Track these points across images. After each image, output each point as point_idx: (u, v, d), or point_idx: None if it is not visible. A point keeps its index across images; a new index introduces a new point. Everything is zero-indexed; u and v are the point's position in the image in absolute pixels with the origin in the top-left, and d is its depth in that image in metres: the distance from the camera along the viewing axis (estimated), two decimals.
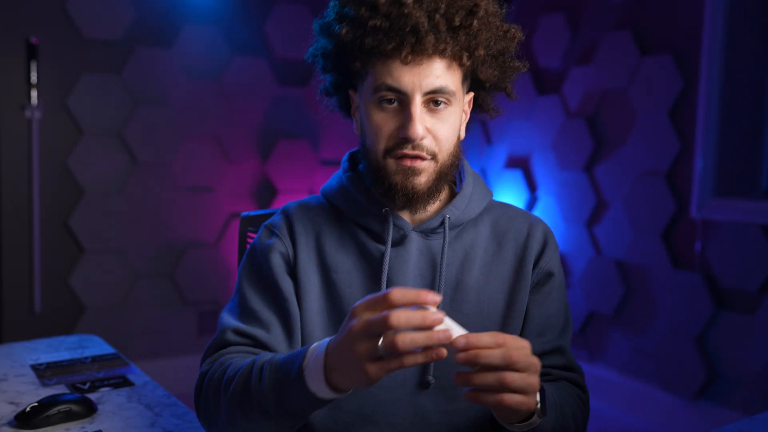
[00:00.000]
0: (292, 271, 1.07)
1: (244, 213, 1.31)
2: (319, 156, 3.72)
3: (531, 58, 3.64)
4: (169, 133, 3.36)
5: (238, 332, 1.04)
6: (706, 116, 2.83)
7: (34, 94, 3.04)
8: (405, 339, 0.73)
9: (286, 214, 1.11)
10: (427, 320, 0.74)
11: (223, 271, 3.52)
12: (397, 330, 0.74)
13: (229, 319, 1.06)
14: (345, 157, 1.15)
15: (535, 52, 3.59)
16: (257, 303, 1.06)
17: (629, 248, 3.15)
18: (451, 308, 1.06)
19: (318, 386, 0.83)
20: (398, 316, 0.73)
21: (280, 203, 3.60)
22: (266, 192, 3.63)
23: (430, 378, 1.04)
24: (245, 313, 1.06)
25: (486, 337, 0.78)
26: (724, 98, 2.83)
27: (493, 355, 0.77)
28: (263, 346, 1.03)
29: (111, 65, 3.21)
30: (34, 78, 3.04)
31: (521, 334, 1.09)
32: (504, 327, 1.08)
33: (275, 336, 1.04)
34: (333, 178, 1.14)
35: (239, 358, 0.99)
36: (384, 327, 0.74)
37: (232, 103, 3.50)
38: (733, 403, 2.77)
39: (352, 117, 1.10)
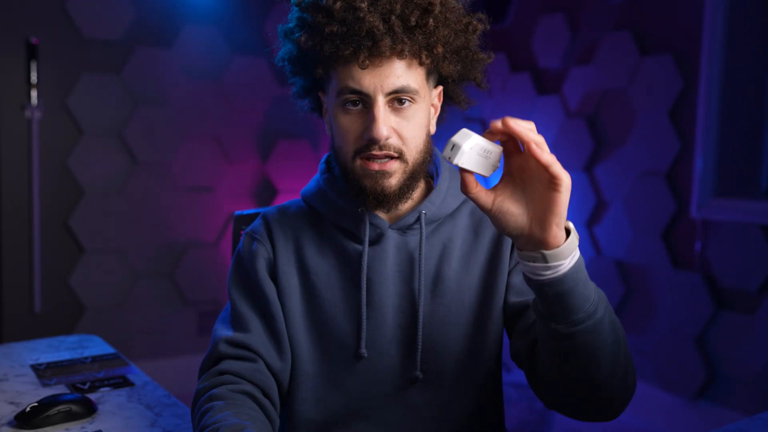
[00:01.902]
0: (273, 274, 1.08)
1: (238, 212, 1.31)
2: (319, 156, 3.73)
3: (531, 58, 3.64)
4: (169, 133, 3.36)
5: (230, 342, 1.05)
6: (706, 116, 2.83)
7: (34, 94, 3.04)
8: None
9: (266, 220, 1.13)
10: None
11: (223, 271, 3.52)
12: None
13: (221, 330, 1.07)
14: (323, 160, 1.16)
15: (535, 52, 3.59)
16: (247, 309, 1.07)
17: (629, 248, 3.15)
18: (432, 301, 1.06)
19: None
20: None
21: (279, 203, 3.60)
22: (266, 192, 3.63)
23: (418, 373, 1.05)
24: (236, 320, 1.07)
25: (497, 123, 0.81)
26: (724, 98, 2.83)
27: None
28: (255, 352, 1.04)
29: (111, 65, 3.21)
30: (34, 78, 3.04)
31: (511, 306, 1.07)
32: (480, 312, 1.07)
33: (265, 342, 1.05)
34: (312, 181, 1.15)
35: (222, 403, 0.96)
36: None
37: (232, 103, 3.50)
38: (733, 403, 2.77)
39: (324, 118, 1.11)
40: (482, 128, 3.97)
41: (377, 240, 1.06)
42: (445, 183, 1.10)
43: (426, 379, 1.06)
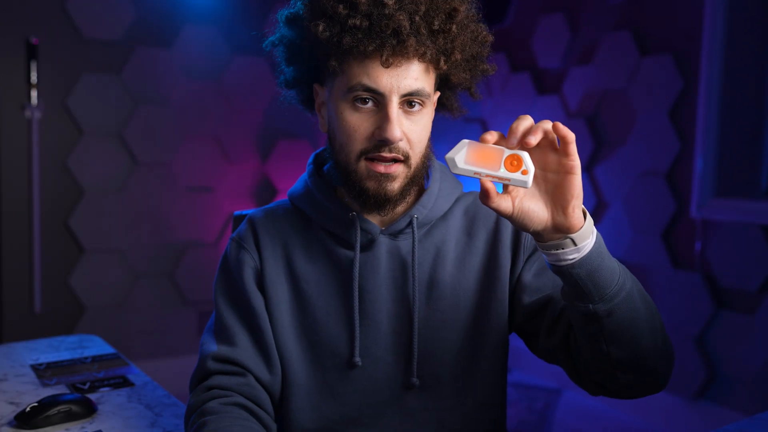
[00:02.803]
0: (261, 284, 1.06)
1: (237, 212, 1.29)
2: None
3: (531, 58, 3.64)
4: (169, 133, 3.36)
5: (217, 358, 1.03)
6: (706, 116, 2.83)
7: (34, 94, 3.05)
8: None
9: (252, 225, 1.09)
10: None
11: None
12: None
13: (208, 344, 1.05)
14: (310, 159, 1.13)
15: (535, 52, 3.59)
16: (233, 322, 1.05)
17: (629, 248, 3.15)
18: (426, 307, 1.05)
19: None
20: None
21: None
22: (266, 192, 3.63)
23: (414, 380, 1.04)
24: (222, 333, 1.05)
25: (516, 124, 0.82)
26: (724, 98, 2.83)
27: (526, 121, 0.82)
28: (243, 366, 1.03)
29: (111, 65, 3.21)
30: (34, 78, 3.04)
31: (527, 306, 1.06)
32: (477, 315, 1.06)
33: (252, 355, 1.04)
34: (299, 181, 1.12)
35: (214, 416, 0.97)
36: None
37: (232, 103, 3.50)
38: (733, 403, 2.77)
39: (317, 112, 1.08)
40: (482, 128, 3.97)
41: (369, 245, 1.04)
42: (437, 185, 1.08)
43: (423, 385, 1.05)
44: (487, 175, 0.81)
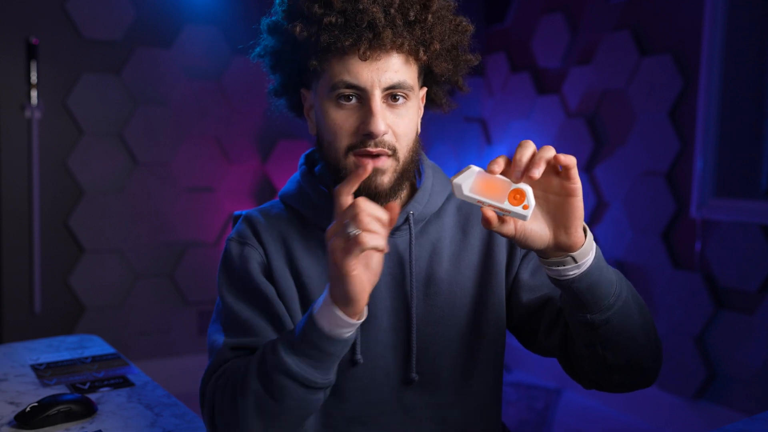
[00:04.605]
0: (269, 277, 1.05)
1: (237, 212, 1.29)
2: None
3: (531, 58, 3.64)
4: (169, 133, 3.36)
5: (234, 348, 1.00)
6: (706, 116, 2.83)
7: (34, 94, 3.05)
8: (365, 218, 0.81)
9: (250, 223, 1.08)
10: (390, 212, 0.82)
11: None
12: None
13: (220, 339, 1.01)
14: (301, 161, 1.13)
15: (535, 52, 3.59)
16: (247, 313, 1.02)
17: (629, 248, 3.15)
18: (424, 303, 1.05)
19: (328, 319, 0.86)
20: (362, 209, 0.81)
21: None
22: (266, 192, 3.63)
23: (414, 375, 1.04)
24: (236, 327, 1.02)
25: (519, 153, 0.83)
26: (724, 98, 2.83)
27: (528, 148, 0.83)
28: None
29: (111, 65, 3.21)
30: (34, 78, 3.04)
31: (525, 305, 1.07)
32: (474, 312, 1.07)
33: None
34: (291, 182, 1.12)
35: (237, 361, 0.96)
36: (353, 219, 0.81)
37: (232, 103, 3.50)
38: (733, 403, 2.78)
39: (306, 116, 1.08)
40: (482, 128, 3.97)
41: None
42: (429, 181, 1.09)
43: (422, 381, 1.05)
44: (490, 205, 0.83)
